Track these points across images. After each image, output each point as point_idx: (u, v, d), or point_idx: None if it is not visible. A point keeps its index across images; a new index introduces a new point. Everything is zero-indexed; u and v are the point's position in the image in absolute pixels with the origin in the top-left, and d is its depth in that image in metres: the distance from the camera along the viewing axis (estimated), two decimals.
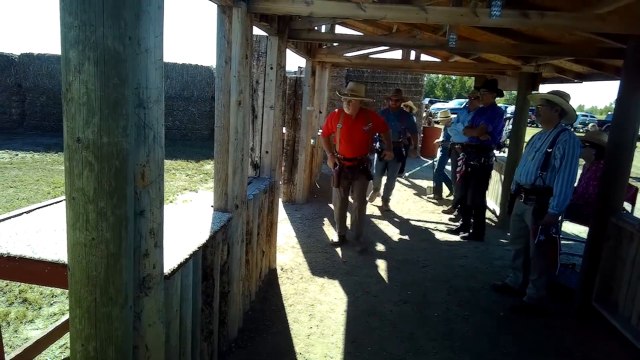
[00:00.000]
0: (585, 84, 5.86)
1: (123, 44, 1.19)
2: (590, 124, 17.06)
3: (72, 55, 1.16)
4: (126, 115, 1.24)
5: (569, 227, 5.60)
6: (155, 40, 1.33)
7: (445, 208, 6.54)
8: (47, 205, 2.36)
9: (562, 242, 4.72)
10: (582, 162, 4.50)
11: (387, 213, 6.22)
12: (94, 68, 1.17)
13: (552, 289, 3.78)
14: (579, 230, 5.64)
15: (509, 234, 4.12)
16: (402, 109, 6.55)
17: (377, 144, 5.94)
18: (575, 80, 5.87)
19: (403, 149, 6.23)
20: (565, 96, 3.27)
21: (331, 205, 6.53)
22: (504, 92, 5.77)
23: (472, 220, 5.36)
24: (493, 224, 5.97)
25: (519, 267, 3.70)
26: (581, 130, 27.64)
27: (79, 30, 1.15)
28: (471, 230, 5.30)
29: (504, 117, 5.14)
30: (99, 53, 1.16)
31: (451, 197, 6.91)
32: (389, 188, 6.35)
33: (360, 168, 4.49)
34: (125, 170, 1.27)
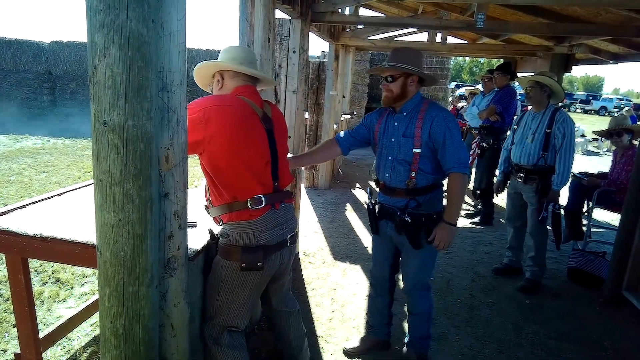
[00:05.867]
0: (622, 66, 5.63)
1: (147, 26, 1.20)
2: (625, 108, 16.31)
3: (97, 38, 1.18)
4: (150, 99, 1.25)
5: (600, 214, 5.41)
6: (178, 23, 1.33)
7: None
8: (77, 189, 2.43)
9: (593, 230, 4.59)
10: (614, 148, 4.33)
11: None
12: (118, 51, 1.18)
13: (581, 277, 3.69)
14: (611, 218, 5.45)
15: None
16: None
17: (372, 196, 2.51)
18: (611, 62, 5.61)
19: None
20: (552, 76, 3.39)
21: (354, 192, 6.52)
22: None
23: (479, 207, 5.31)
24: None
25: (518, 245, 3.78)
26: (616, 114, 26.54)
27: (104, 14, 1.16)
28: (479, 216, 5.23)
29: (517, 97, 5.03)
30: (124, 36, 1.17)
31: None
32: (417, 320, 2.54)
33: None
34: (149, 153, 1.28)
